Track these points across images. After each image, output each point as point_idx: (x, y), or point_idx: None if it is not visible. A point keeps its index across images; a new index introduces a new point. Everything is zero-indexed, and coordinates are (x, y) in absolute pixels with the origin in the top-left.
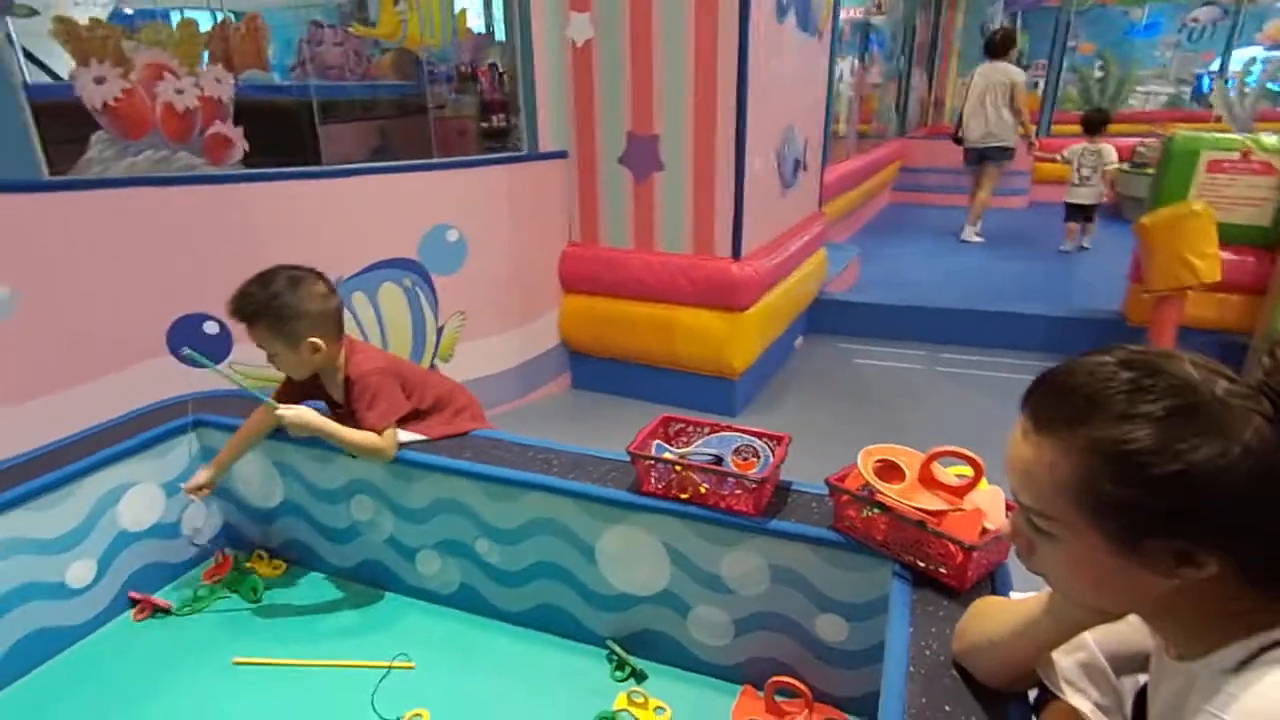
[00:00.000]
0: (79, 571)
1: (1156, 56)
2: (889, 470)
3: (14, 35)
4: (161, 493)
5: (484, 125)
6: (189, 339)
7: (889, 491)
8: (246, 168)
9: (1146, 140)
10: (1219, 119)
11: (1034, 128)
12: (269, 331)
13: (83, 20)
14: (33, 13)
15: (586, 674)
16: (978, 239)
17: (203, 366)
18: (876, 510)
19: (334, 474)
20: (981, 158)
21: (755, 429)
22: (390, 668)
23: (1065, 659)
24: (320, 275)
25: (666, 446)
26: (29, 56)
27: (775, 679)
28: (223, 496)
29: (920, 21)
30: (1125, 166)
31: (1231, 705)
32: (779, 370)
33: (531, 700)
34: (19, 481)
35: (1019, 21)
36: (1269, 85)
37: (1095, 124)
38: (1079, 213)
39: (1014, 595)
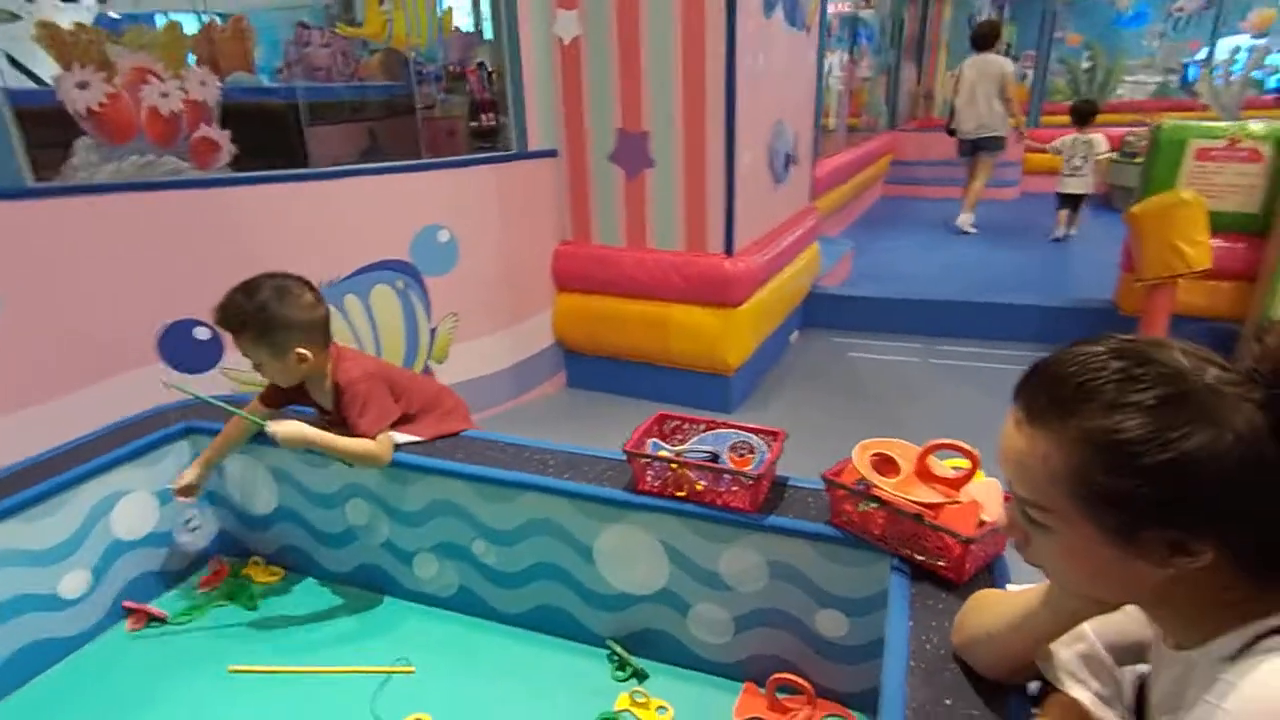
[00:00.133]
0: (72, 582)
1: (1144, 46)
2: (885, 464)
3: None
4: (155, 501)
5: (473, 125)
6: (179, 345)
7: (885, 485)
8: (234, 171)
9: (1135, 129)
10: (1206, 107)
11: (1024, 118)
12: (255, 342)
13: (66, 25)
14: (14, 17)
15: (587, 674)
16: (973, 229)
17: (188, 395)
18: (873, 504)
19: (329, 478)
20: (975, 148)
21: (751, 425)
22: (390, 672)
23: (1064, 650)
24: (307, 283)
25: (662, 444)
26: (11, 62)
27: (777, 676)
28: (218, 503)
29: (908, 14)
30: (1115, 156)
31: (1230, 694)
32: (774, 366)
33: (533, 702)
34: (10, 492)
35: (1006, 14)
36: (1254, 74)
37: (1084, 114)
38: (1070, 202)
39: (1011, 587)
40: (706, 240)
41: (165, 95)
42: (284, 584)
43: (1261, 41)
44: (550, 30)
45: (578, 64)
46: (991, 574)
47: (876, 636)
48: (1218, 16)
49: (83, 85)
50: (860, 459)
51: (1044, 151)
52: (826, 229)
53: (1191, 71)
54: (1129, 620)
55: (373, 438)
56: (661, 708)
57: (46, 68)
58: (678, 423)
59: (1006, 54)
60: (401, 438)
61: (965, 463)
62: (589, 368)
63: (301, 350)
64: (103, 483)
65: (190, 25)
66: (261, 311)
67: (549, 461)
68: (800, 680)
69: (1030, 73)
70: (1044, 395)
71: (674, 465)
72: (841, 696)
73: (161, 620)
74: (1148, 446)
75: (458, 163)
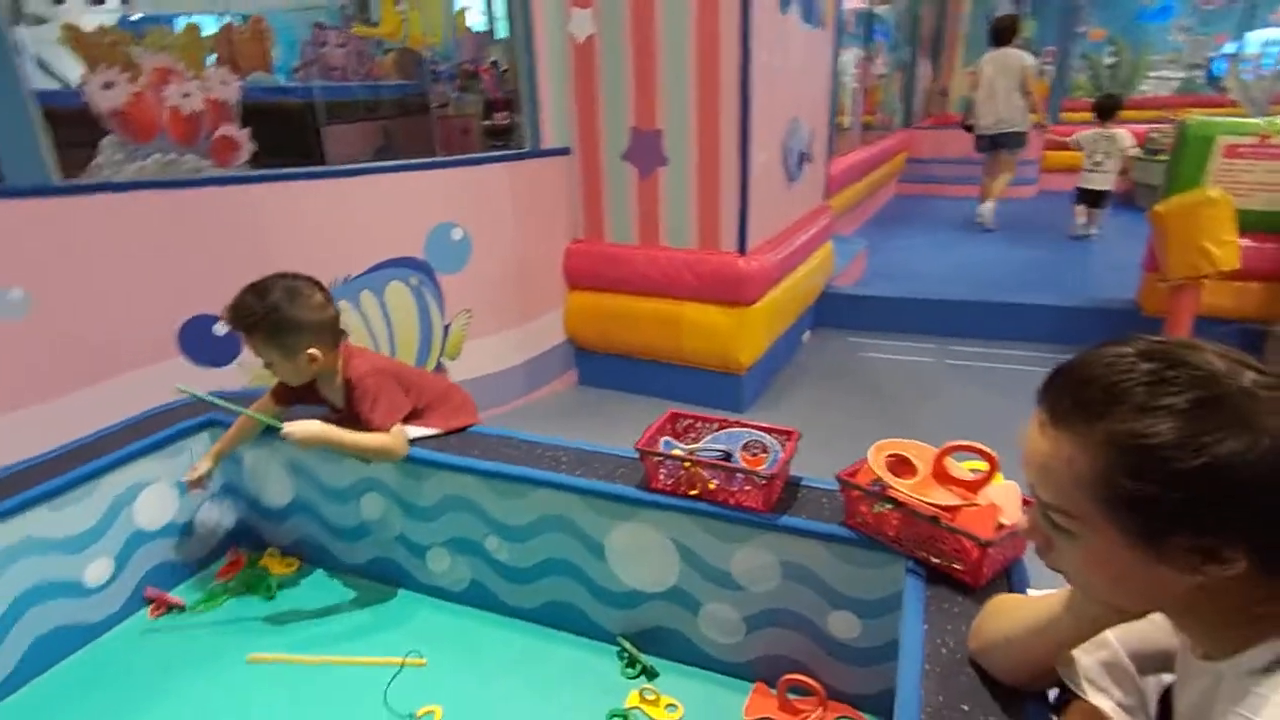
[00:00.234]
0: (96, 570)
1: (1169, 41)
2: (901, 465)
3: (25, 43)
4: (176, 492)
5: (487, 123)
6: (199, 340)
7: (901, 487)
8: (253, 169)
9: (1160, 126)
10: (1235, 103)
11: (1045, 113)
12: (266, 343)
13: (91, 27)
14: (41, 21)
15: (598, 671)
16: (993, 223)
17: (200, 400)
18: (889, 506)
19: (344, 472)
20: (994, 144)
21: (764, 424)
22: (403, 665)
23: (1086, 657)
24: (317, 284)
25: (675, 443)
26: (40, 64)
27: (788, 676)
28: (235, 495)
29: (925, 10)
30: (1139, 153)
31: (1263, 708)
32: (787, 365)
33: (543, 697)
34: (37, 482)
35: (1026, 8)
36: None
37: (1108, 109)
38: (1090, 198)
39: (1032, 592)
40: (720, 238)
41: (187, 95)
42: (299, 575)
43: None
44: (565, 28)
45: (592, 62)
46: (1009, 579)
47: (889, 639)
48: (1247, 9)
49: (107, 86)
50: (876, 460)
51: (1064, 147)
52: (840, 227)
53: (1219, 66)
54: (1154, 628)
55: (386, 431)
56: (671, 706)
57: (71, 69)
58: (690, 421)
59: (1026, 49)
60: (415, 431)
61: (983, 465)
62: (600, 365)
63: (312, 351)
64: (125, 474)
65: (210, 26)
66: (273, 313)
67: (561, 458)
68: (811, 681)
69: (1051, 68)
70: (1069, 397)
71: (687, 464)
72: (853, 699)
73: (180, 609)
74: (1180, 451)
75: (471, 161)
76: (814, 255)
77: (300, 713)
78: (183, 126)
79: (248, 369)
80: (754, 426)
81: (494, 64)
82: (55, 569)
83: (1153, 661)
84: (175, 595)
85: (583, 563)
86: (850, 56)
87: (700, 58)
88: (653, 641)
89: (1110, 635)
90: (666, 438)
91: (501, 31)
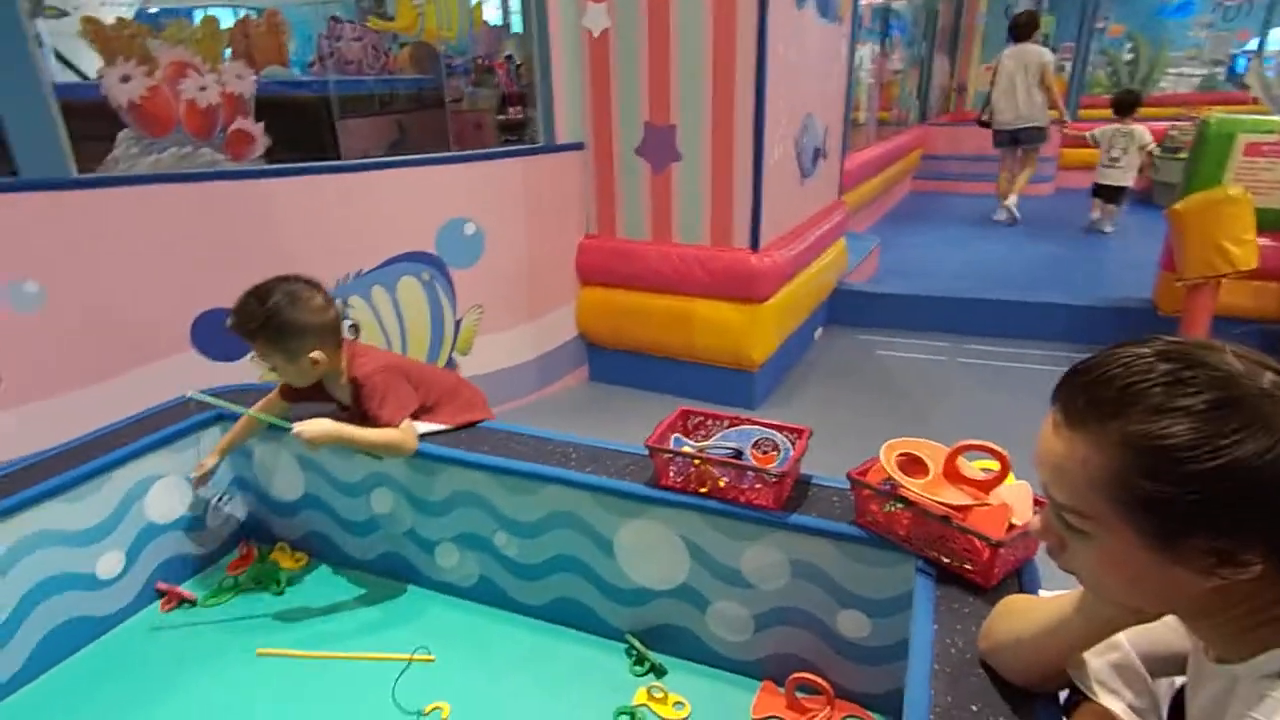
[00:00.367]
0: (109, 563)
1: (1189, 37)
2: (912, 464)
3: (44, 36)
4: (187, 485)
5: (501, 118)
6: (212, 333)
7: (913, 486)
8: (268, 163)
9: (1179, 123)
10: (1256, 100)
11: (1064, 109)
12: (269, 347)
13: (109, 20)
14: (62, 14)
15: (606, 668)
16: (1017, 215)
17: (210, 406)
18: (900, 505)
19: (354, 467)
20: (1014, 140)
21: (775, 422)
22: (411, 660)
23: (1097, 659)
24: (317, 286)
25: (685, 440)
26: (58, 57)
27: (796, 675)
28: (245, 489)
29: (943, 6)
30: (1157, 150)
31: (1279, 712)
32: (798, 362)
33: (551, 694)
34: (49, 475)
35: (1045, 4)
36: None
37: (1126, 105)
38: (1107, 193)
39: (1044, 593)
40: (732, 235)
41: (203, 89)
42: (309, 570)
43: None
44: (579, 23)
45: (606, 57)
46: (1020, 580)
47: (899, 639)
48: (1271, 5)
49: (125, 79)
50: (887, 459)
51: (1082, 143)
52: (854, 224)
53: (1240, 63)
54: (1166, 630)
55: (396, 426)
56: (679, 703)
57: (89, 63)
58: (701, 418)
59: (1044, 45)
60: (424, 427)
61: (995, 464)
62: (612, 361)
63: (315, 354)
64: (138, 467)
65: (226, 19)
66: (274, 318)
67: (571, 455)
68: (820, 680)
69: (1068, 65)
70: (1084, 397)
71: (697, 461)
72: (861, 698)
73: (191, 602)
74: (1196, 453)
75: (485, 155)
76: (827, 252)
77: (308, 708)
78: (199, 120)
79: (261, 363)
80: (765, 424)
81: (509, 58)
82: (67, 562)
83: (1165, 663)
84: (186, 589)
85: (592, 560)
86: (866, 51)
87: (715, 52)
88: (661, 639)
89: (1122, 637)
90: (677, 434)
91: (517, 26)
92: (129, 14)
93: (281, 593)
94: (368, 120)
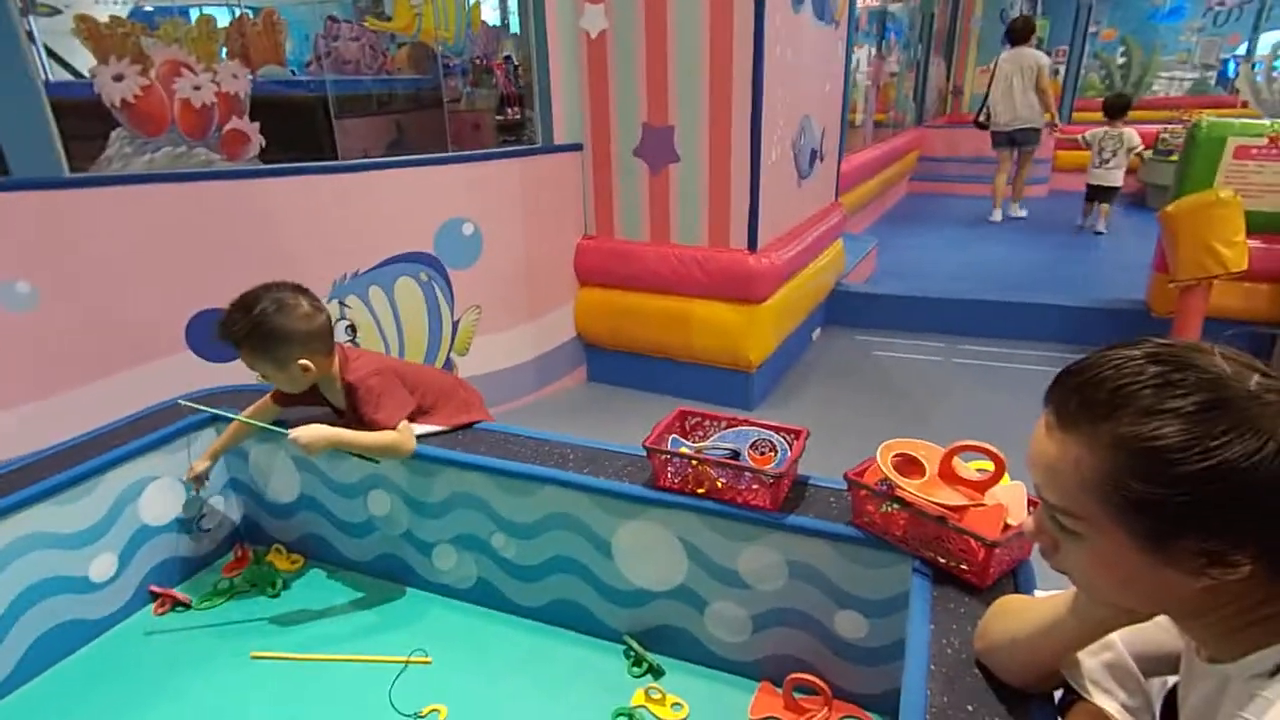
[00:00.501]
0: (101, 565)
1: (1181, 41)
2: (909, 465)
3: (36, 34)
4: (181, 487)
5: (499, 118)
6: (208, 334)
7: (909, 486)
8: (263, 163)
9: (1170, 126)
10: (1245, 104)
11: (1058, 112)
12: (256, 355)
13: (103, 18)
14: (55, 12)
15: (604, 669)
16: (1022, 212)
17: (204, 413)
18: (896, 506)
19: (350, 469)
20: (1011, 141)
21: (772, 423)
22: (408, 663)
23: (1091, 659)
24: (305, 292)
25: (683, 441)
26: (51, 54)
27: (794, 675)
28: (241, 491)
29: (939, 9)
30: (1148, 154)
31: (1269, 711)
32: (796, 363)
33: (549, 696)
34: (41, 477)
35: (1040, 8)
36: None
37: (1117, 108)
38: (1099, 194)
39: (1038, 593)
40: (730, 236)
41: (198, 88)
42: (304, 572)
43: None
44: (577, 24)
45: (604, 58)
46: (1015, 580)
47: (896, 639)
48: (1261, 9)
49: (118, 77)
50: (884, 459)
51: (1076, 146)
52: (851, 225)
53: (1231, 67)
54: (1159, 630)
55: (393, 428)
56: (677, 704)
57: (82, 61)
58: (699, 419)
59: (1039, 49)
60: (421, 429)
61: (990, 465)
62: (610, 362)
63: (304, 361)
64: (131, 469)
65: (223, 18)
66: (259, 327)
67: (569, 456)
68: (817, 681)
69: (1062, 68)
70: (1076, 399)
71: (694, 462)
72: (859, 698)
73: (185, 605)
74: (1185, 454)
75: (483, 156)
76: (824, 253)
77: (304, 711)
78: (193, 119)
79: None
80: (762, 425)
81: (507, 59)
82: (60, 565)
83: (1157, 663)
84: (180, 591)
85: (589, 561)
86: (863, 54)
87: (713, 54)
88: (659, 640)
89: (1115, 637)
90: (675, 435)
91: (515, 26)
92: (123, 12)
93: (277, 595)
94: (365, 120)
